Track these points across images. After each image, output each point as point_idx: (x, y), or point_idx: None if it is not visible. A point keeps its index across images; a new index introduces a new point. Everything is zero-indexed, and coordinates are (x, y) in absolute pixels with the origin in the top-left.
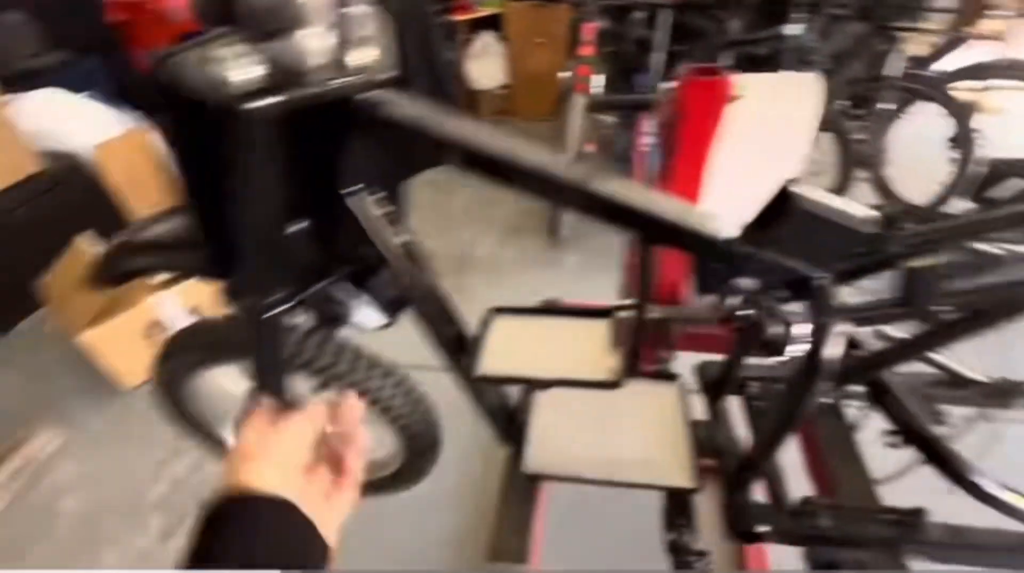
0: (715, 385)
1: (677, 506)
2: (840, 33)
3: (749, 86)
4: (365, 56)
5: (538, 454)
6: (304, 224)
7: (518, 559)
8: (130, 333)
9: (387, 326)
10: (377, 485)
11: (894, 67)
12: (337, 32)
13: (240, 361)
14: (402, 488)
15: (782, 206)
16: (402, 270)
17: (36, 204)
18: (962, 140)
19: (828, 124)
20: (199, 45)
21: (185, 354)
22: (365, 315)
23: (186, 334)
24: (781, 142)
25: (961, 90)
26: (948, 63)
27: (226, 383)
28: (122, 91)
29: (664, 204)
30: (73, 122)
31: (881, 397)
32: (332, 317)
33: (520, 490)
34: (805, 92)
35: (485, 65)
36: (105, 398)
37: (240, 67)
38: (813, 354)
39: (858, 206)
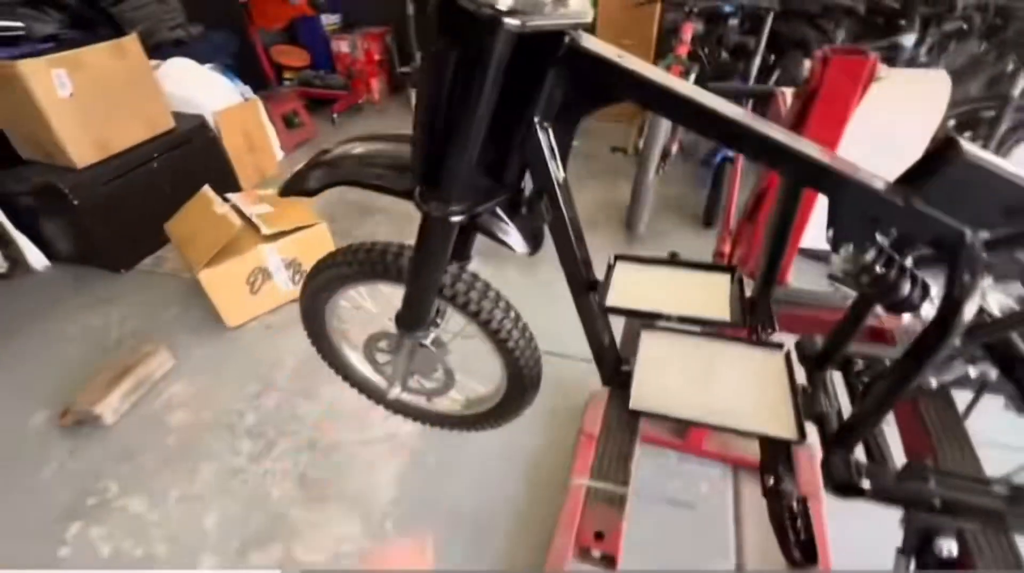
0: (817, 358)
1: (782, 456)
2: (956, 50)
3: (888, 72)
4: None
5: (642, 394)
6: (488, 146)
7: (621, 482)
8: (238, 277)
9: (531, 254)
10: (474, 419)
11: (1020, 88)
12: None
13: (377, 283)
14: (496, 424)
15: (943, 159)
16: (558, 202)
17: (169, 156)
18: None
19: None
20: None
21: (335, 269)
22: (515, 241)
23: (339, 252)
24: (907, 132)
25: None
26: None
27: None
28: (240, 64)
29: (819, 150)
30: (199, 89)
31: (1009, 361)
32: (466, 251)
33: (621, 424)
34: (936, 89)
35: None
36: (210, 333)
37: None
38: (950, 314)
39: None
